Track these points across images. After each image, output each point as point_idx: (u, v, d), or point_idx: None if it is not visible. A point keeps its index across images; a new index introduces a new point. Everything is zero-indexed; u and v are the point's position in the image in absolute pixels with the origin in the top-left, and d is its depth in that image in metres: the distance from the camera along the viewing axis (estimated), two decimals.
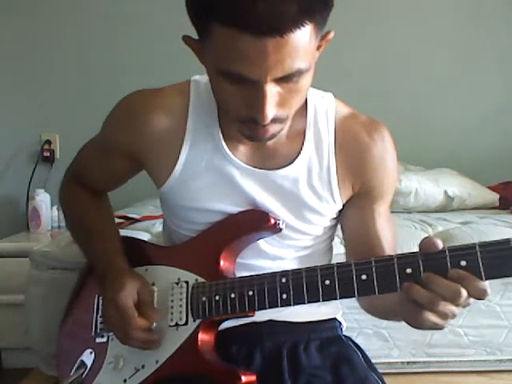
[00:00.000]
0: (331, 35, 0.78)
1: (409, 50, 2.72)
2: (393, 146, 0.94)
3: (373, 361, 1.00)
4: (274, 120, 0.76)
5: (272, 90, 0.72)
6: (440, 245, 0.70)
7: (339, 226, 0.99)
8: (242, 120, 0.78)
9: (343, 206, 0.94)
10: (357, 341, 1.04)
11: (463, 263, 0.68)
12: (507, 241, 0.66)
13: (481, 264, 0.67)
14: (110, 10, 2.72)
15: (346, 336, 1.03)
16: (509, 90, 2.74)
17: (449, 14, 2.73)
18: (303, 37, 0.69)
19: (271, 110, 0.74)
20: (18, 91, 2.75)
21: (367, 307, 0.97)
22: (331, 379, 0.91)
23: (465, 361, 1.42)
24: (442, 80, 2.72)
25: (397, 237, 0.98)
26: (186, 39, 0.80)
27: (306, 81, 0.76)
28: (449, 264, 0.69)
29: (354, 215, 0.94)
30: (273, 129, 0.78)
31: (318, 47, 0.77)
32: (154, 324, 0.89)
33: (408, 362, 1.41)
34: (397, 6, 2.73)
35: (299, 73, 0.72)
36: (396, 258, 0.72)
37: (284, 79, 0.72)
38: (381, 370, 0.99)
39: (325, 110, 0.92)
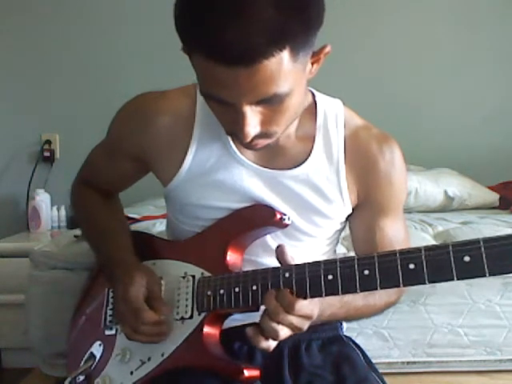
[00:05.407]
0: (328, 49, 0.78)
1: (409, 50, 2.72)
2: (402, 161, 0.95)
3: (373, 361, 1.00)
4: (261, 135, 0.78)
5: (253, 110, 0.74)
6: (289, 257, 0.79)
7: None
8: (230, 133, 0.82)
9: (352, 210, 0.95)
10: (357, 341, 1.04)
11: (467, 259, 0.67)
12: (511, 236, 0.66)
13: (485, 259, 0.66)
14: (110, 10, 2.72)
15: (346, 336, 1.03)
16: (509, 90, 2.74)
17: (449, 14, 2.73)
18: (277, 64, 0.69)
19: (252, 130, 0.75)
20: (18, 91, 2.75)
21: None
22: (332, 378, 0.92)
23: (465, 361, 1.41)
24: (442, 80, 2.72)
25: (408, 242, 0.99)
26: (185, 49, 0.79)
27: (293, 100, 0.76)
28: (452, 259, 0.68)
29: (359, 226, 0.96)
30: (262, 142, 0.80)
31: (314, 62, 0.77)
32: (163, 317, 0.90)
33: (408, 362, 1.41)
34: (397, 7, 2.74)
35: (277, 97, 0.73)
36: (399, 253, 0.72)
37: (262, 102, 0.73)
38: (381, 370, 0.99)
39: (334, 115, 0.93)
